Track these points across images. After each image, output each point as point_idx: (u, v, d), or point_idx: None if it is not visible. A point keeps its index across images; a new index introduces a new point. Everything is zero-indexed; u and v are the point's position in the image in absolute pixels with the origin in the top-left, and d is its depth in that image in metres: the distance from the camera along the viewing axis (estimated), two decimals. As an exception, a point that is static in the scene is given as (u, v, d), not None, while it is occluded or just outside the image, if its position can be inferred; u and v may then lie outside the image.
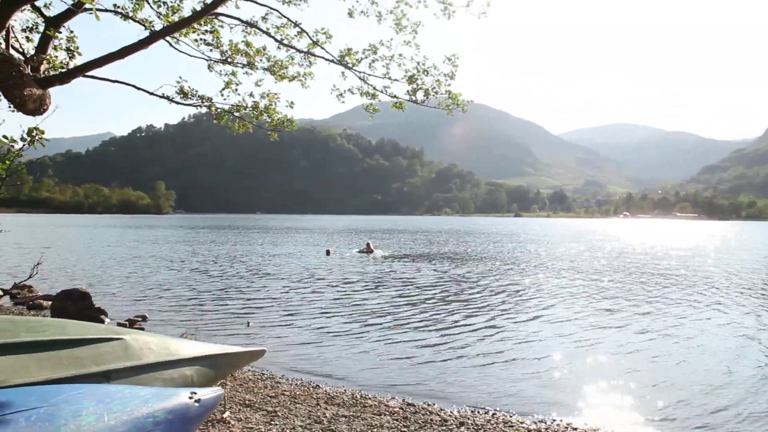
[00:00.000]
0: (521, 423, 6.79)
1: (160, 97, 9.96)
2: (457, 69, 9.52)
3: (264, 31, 9.29)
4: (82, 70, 7.61)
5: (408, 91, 9.21)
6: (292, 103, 10.50)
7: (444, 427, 6.38)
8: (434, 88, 9.06)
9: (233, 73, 10.89)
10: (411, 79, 9.11)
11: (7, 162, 6.44)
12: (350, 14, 9.51)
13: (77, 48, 8.31)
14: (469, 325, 12.74)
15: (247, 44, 9.83)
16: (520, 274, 24.30)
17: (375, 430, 6.16)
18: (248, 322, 12.63)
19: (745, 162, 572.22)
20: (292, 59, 10.00)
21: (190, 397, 4.21)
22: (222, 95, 10.46)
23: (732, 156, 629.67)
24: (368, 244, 38.81)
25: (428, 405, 7.34)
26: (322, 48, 9.27)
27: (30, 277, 11.06)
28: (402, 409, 7.10)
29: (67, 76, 7.57)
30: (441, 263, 29.70)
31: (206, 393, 4.25)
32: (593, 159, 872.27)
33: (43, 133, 6.39)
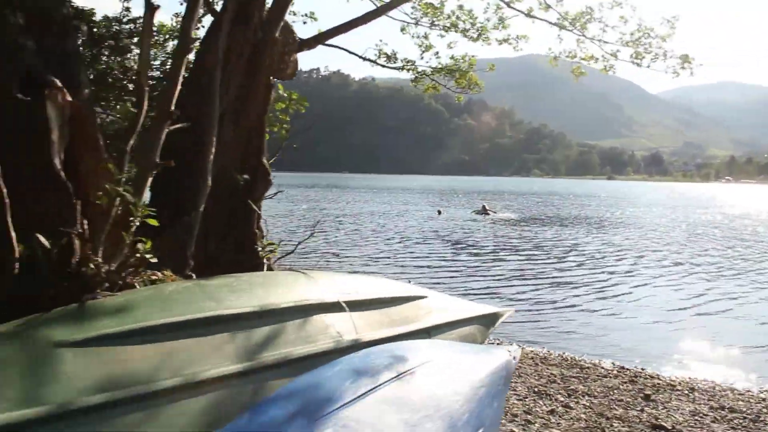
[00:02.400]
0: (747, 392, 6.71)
1: (370, 60, 10.14)
2: (674, 31, 9.25)
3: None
4: (326, 36, 7.81)
5: (632, 55, 9.03)
6: (492, 66, 10.51)
7: (677, 391, 6.44)
8: (662, 50, 8.85)
9: (425, 36, 10.94)
10: (637, 42, 8.91)
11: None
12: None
13: (313, 14, 8.63)
14: (622, 287, 13.36)
15: (461, 8, 9.88)
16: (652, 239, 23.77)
17: (612, 392, 6.23)
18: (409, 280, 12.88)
19: None
20: (502, 21, 9.97)
21: (509, 353, 4.31)
22: (423, 58, 10.57)
23: None
24: (484, 206, 38.58)
25: (642, 369, 7.44)
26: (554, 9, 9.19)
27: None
28: (619, 372, 7.19)
29: (315, 41, 7.79)
30: (569, 227, 29.30)
31: (515, 350, 4.34)
32: (693, 119, 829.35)
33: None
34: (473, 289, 12.57)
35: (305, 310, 3.87)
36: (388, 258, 17.07)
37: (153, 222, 3.55)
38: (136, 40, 6.23)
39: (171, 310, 3.19)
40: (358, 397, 3.06)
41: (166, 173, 4.52)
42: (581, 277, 14.72)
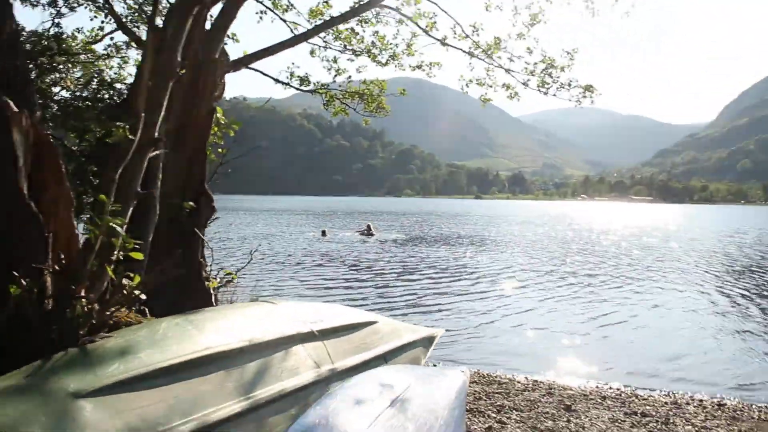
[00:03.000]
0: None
1: (283, 83, 10.06)
2: (573, 62, 9.91)
3: (409, 19, 9.48)
4: (251, 59, 7.68)
5: (538, 83, 9.55)
6: (403, 90, 10.74)
7: (592, 400, 6.80)
8: (567, 80, 9.43)
9: (335, 59, 11.03)
10: (545, 71, 9.45)
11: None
12: (486, 8, 9.77)
13: (235, 35, 8.40)
14: (518, 302, 13.94)
15: (376, 33, 10.03)
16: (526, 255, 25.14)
17: (536, 405, 6.48)
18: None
19: (698, 146, 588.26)
20: (409, 47, 10.24)
21: (462, 373, 4.58)
22: (335, 81, 10.62)
23: (685, 140, 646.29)
24: (369, 226, 38.94)
25: (553, 381, 7.79)
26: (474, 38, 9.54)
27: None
28: (535, 385, 7.46)
29: (240, 63, 7.64)
30: (456, 246, 30.19)
31: (465, 371, 4.67)
32: (551, 141, 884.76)
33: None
34: (382, 311, 12.65)
35: (286, 342, 3.96)
36: (291, 282, 16.84)
37: (138, 255, 3.32)
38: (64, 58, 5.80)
39: (169, 350, 3.19)
40: (370, 426, 3.19)
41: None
42: (480, 294, 15.20)
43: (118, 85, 6.52)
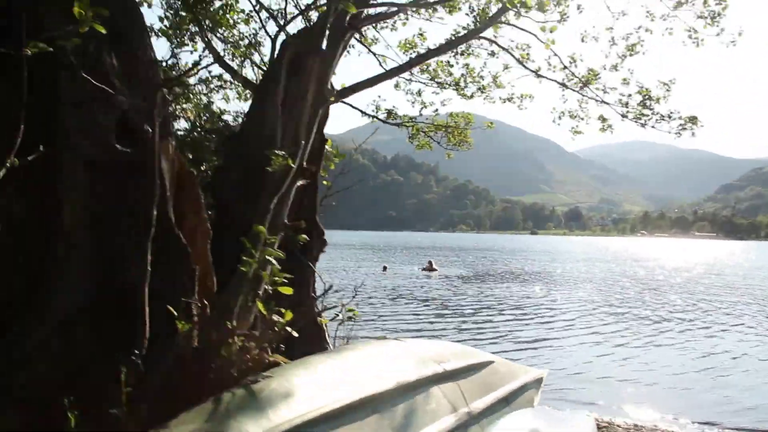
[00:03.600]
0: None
1: (371, 116, 9.97)
2: (670, 94, 9.52)
3: (505, 50, 9.28)
4: (349, 92, 7.55)
5: (635, 115, 9.19)
6: (491, 124, 10.53)
7: None
8: (667, 111, 9.04)
9: (419, 92, 10.91)
10: (641, 103, 9.09)
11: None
12: (582, 39, 9.52)
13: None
14: (610, 341, 13.32)
15: (467, 67, 9.87)
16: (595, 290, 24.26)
17: None
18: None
19: (763, 180, 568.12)
20: (495, 79, 10.05)
21: (588, 416, 4.55)
22: (421, 114, 10.48)
23: (749, 174, 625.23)
24: (430, 263, 38.60)
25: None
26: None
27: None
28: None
29: (339, 96, 7.52)
30: (524, 283, 29.62)
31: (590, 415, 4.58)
32: (609, 176, 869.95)
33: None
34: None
35: (425, 384, 3.87)
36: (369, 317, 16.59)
37: (287, 290, 3.14)
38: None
39: (330, 394, 3.05)
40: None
41: (218, 228, 4.14)
42: (566, 333, 14.69)
43: (225, 117, 6.54)
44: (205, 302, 3.08)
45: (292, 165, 3.07)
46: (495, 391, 4.68)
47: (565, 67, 9.08)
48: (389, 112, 10.21)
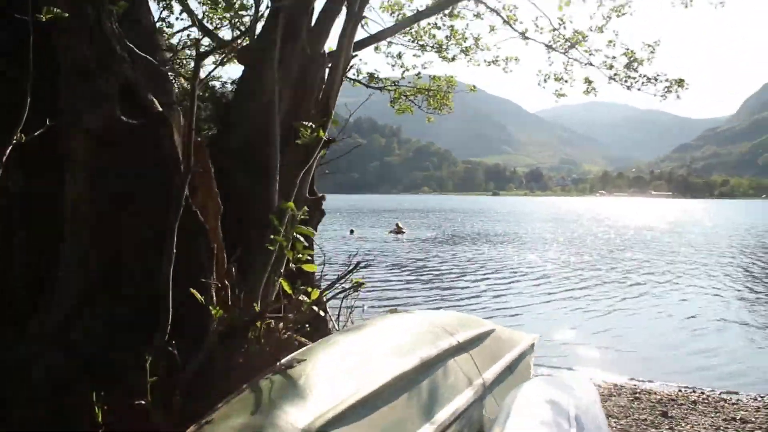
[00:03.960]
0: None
1: (351, 79, 9.75)
2: (654, 55, 9.51)
3: (492, 10, 9.08)
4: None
5: (623, 78, 9.15)
6: (473, 87, 10.40)
7: (683, 406, 6.46)
8: (654, 74, 9.03)
9: (399, 55, 10.72)
10: (629, 66, 9.06)
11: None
12: (566, 3, 9.39)
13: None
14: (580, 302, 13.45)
15: (452, 29, 9.66)
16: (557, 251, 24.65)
17: (629, 411, 6.16)
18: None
19: (718, 140, 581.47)
20: (477, 41, 9.91)
21: (591, 380, 4.87)
22: (404, 78, 10.30)
23: (705, 134, 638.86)
24: (398, 225, 38.68)
25: (635, 385, 7.45)
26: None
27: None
28: (615, 389, 7.12)
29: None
30: (495, 244, 29.84)
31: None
32: (569, 137, 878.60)
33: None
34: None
35: (443, 357, 3.85)
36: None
37: (311, 267, 3.01)
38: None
39: (363, 377, 2.98)
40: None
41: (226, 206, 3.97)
42: (543, 294, 14.83)
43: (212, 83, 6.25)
44: (226, 283, 2.92)
45: (324, 137, 2.91)
46: (501, 359, 4.65)
47: (555, 29, 8.98)
48: (371, 76, 10.00)
